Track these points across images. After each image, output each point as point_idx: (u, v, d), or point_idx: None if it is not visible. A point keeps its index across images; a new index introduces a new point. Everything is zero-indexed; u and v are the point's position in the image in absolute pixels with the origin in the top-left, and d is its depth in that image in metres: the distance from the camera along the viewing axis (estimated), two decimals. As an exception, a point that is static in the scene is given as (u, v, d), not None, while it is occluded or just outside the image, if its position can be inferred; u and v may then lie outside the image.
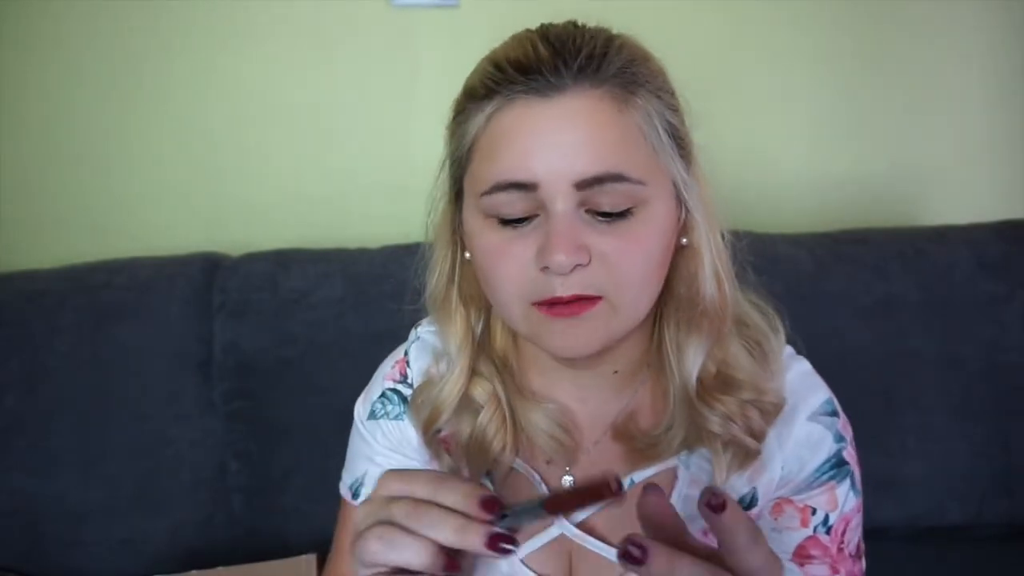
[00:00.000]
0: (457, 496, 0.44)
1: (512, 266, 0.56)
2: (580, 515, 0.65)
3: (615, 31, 0.59)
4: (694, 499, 0.64)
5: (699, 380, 0.63)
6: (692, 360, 0.62)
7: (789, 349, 0.68)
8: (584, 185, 0.53)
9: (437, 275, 0.65)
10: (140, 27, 1.35)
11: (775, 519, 0.67)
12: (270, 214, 1.43)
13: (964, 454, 1.24)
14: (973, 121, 1.51)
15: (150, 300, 1.20)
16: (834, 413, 0.67)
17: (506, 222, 0.56)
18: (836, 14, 1.44)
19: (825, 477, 0.66)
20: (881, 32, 1.46)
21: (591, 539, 0.64)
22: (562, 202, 0.54)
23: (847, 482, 0.66)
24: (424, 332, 0.73)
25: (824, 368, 0.70)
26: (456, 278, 0.65)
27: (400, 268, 1.21)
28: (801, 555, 0.66)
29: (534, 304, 0.56)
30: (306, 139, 1.42)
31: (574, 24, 0.58)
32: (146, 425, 1.17)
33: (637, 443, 0.64)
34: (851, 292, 1.24)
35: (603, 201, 0.54)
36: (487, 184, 0.55)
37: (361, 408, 0.74)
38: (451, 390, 0.65)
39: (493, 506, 0.44)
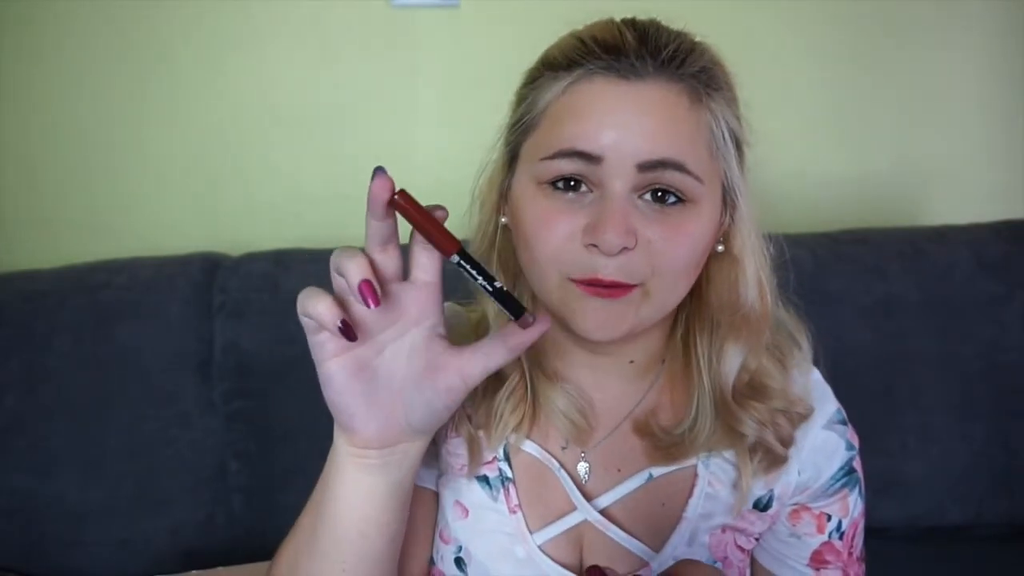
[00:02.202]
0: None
1: (556, 236, 0.57)
2: (604, 501, 0.65)
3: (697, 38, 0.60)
4: (714, 497, 0.65)
5: (732, 386, 0.64)
6: (729, 364, 0.63)
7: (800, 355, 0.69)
8: (646, 167, 0.54)
9: (480, 236, 0.66)
10: (140, 28, 1.34)
11: (793, 525, 0.68)
12: (270, 214, 1.43)
13: (964, 454, 1.24)
14: (973, 121, 1.51)
15: (150, 300, 1.20)
16: (844, 422, 0.69)
17: (558, 189, 0.57)
18: (836, 14, 1.44)
19: (839, 485, 0.67)
20: (881, 32, 1.46)
21: (613, 527, 0.65)
22: (620, 183, 0.55)
23: (856, 489, 0.68)
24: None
25: (824, 368, 0.71)
26: (497, 243, 0.65)
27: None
28: (817, 560, 0.68)
29: (572, 279, 0.57)
30: (306, 139, 1.42)
31: (659, 22, 0.60)
32: (146, 425, 1.17)
33: (659, 440, 0.65)
34: (851, 292, 1.24)
35: (659, 188, 0.56)
36: (551, 149, 0.56)
37: None
38: None
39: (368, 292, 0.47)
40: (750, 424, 0.62)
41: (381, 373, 0.51)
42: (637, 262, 0.55)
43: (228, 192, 1.42)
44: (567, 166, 0.56)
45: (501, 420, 0.65)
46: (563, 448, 0.67)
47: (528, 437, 0.67)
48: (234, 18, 1.36)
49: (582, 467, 0.66)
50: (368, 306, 0.47)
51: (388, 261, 0.49)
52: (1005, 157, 1.53)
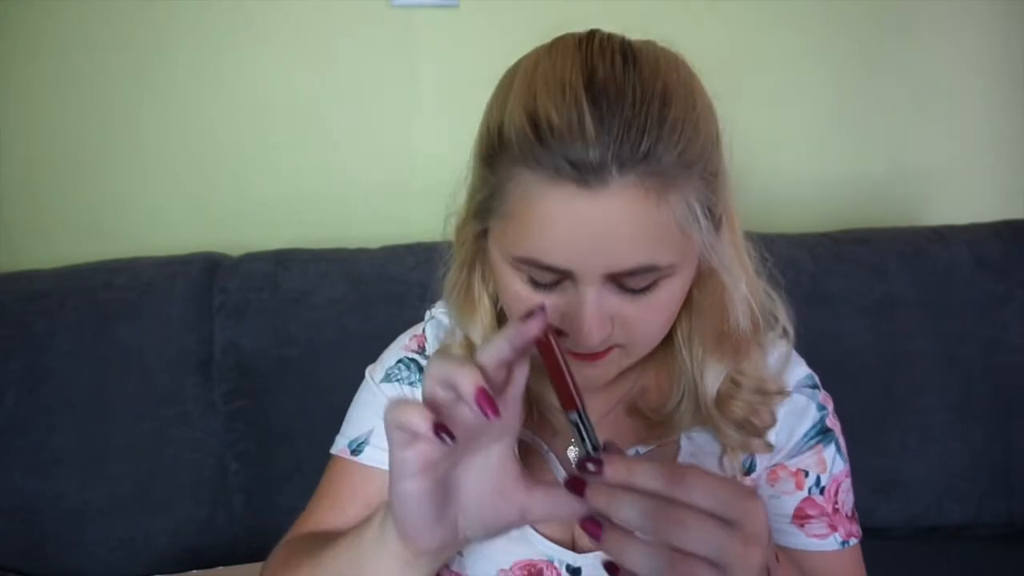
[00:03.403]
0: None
1: None
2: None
3: (665, 76, 0.52)
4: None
5: (716, 392, 0.65)
6: (711, 380, 0.64)
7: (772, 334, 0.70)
8: (616, 276, 0.54)
9: (457, 265, 0.66)
10: (140, 28, 1.34)
11: (771, 485, 0.70)
12: (270, 214, 1.43)
13: (964, 454, 1.24)
14: (973, 121, 1.51)
15: (150, 300, 1.20)
16: (815, 386, 0.71)
17: (535, 284, 0.56)
18: (836, 14, 1.44)
19: (812, 441, 0.69)
20: (881, 32, 1.46)
21: None
22: (593, 288, 0.54)
23: (832, 446, 0.70)
24: (439, 313, 0.75)
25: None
26: (479, 265, 0.65)
27: (401, 268, 1.22)
28: (800, 516, 0.69)
29: None
30: (306, 139, 1.42)
31: (624, 61, 0.52)
32: (146, 425, 1.17)
33: (647, 420, 0.67)
34: (851, 292, 1.24)
35: (630, 283, 0.54)
36: (518, 252, 0.54)
37: (375, 372, 0.75)
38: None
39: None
40: (732, 436, 0.65)
41: (451, 489, 0.51)
42: (615, 336, 0.56)
43: (228, 192, 1.42)
44: (537, 273, 0.54)
45: None
46: (554, 435, 0.69)
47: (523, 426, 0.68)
48: (233, 18, 1.36)
49: (572, 452, 0.68)
50: (487, 417, 0.44)
51: (498, 377, 0.48)
52: (1005, 157, 1.53)
